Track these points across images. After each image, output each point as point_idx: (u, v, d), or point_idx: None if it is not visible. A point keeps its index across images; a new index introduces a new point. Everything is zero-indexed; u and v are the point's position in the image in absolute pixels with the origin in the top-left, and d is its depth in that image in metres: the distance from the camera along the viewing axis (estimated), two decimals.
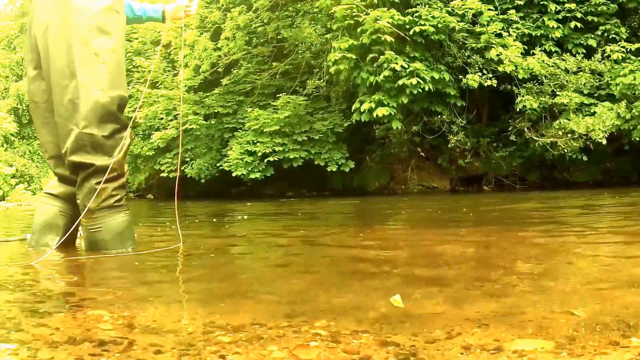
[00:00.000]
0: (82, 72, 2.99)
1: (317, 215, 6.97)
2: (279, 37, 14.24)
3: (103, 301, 1.94)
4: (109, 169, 3.05)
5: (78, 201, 3.10)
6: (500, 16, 10.86)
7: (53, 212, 3.20)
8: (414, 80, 10.04)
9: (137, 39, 16.94)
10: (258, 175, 12.17)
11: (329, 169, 12.23)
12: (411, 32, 10.38)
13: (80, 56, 2.99)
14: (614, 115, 9.97)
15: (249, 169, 12.13)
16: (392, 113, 10.28)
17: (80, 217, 3.09)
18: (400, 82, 10.11)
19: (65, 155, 3.07)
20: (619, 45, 10.50)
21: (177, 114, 13.93)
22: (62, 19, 3.02)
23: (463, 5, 10.63)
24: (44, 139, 3.25)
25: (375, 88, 10.51)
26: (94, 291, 2.21)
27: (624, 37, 10.87)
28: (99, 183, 3.03)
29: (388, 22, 10.04)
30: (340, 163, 12.23)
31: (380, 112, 10.18)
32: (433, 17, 10.37)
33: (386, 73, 10.04)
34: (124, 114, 3.20)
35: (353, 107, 10.90)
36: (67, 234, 3.14)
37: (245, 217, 6.79)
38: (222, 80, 14.74)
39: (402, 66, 10.05)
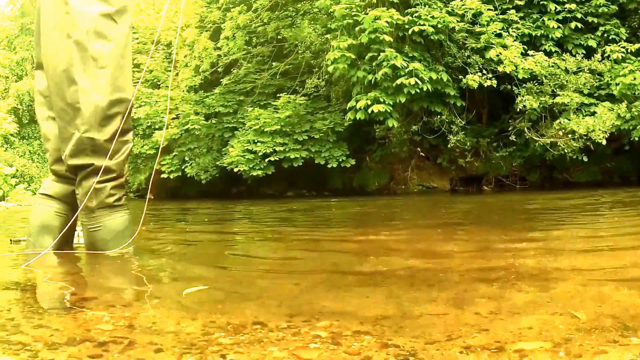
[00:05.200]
0: (81, 77, 2.99)
1: (316, 215, 6.97)
2: (278, 37, 14.24)
3: (103, 301, 1.94)
4: (108, 169, 3.06)
5: (77, 200, 3.11)
6: (500, 16, 10.85)
7: (49, 213, 3.18)
8: (412, 80, 10.03)
9: (137, 39, 16.94)
10: (259, 172, 12.14)
11: (329, 165, 12.21)
12: (410, 32, 10.38)
13: (79, 61, 2.99)
14: (614, 115, 9.96)
15: (250, 166, 12.11)
16: (389, 110, 10.25)
17: (79, 213, 3.08)
18: (398, 81, 10.10)
19: (65, 159, 3.08)
20: (619, 46, 10.50)
21: (178, 114, 13.94)
22: (61, 23, 3.02)
23: (463, 5, 10.63)
24: (49, 131, 3.21)
25: (372, 87, 10.50)
26: (93, 291, 2.21)
27: (624, 37, 10.87)
28: (98, 183, 3.04)
29: (387, 22, 10.03)
30: (341, 160, 12.22)
31: (376, 108, 10.16)
32: (433, 17, 10.36)
33: (385, 70, 10.02)
34: (129, 117, 3.20)
35: (348, 105, 10.88)
36: (59, 236, 3.10)
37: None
38: (222, 80, 14.74)
39: (401, 65, 10.04)
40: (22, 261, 2.83)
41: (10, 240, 3.96)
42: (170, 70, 16.57)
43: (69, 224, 3.12)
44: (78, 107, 2.98)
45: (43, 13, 3.10)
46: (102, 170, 3.04)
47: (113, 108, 3.07)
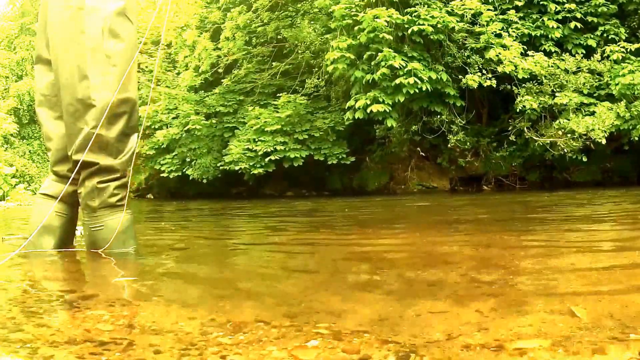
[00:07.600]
0: (94, 73, 3.00)
1: (316, 214, 6.97)
2: (279, 37, 14.23)
3: (103, 301, 1.94)
4: (112, 168, 3.07)
5: (80, 199, 3.11)
6: (500, 16, 10.85)
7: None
8: (411, 80, 10.02)
9: (137, 39, 16.90)
10: (260, 170, 12.12)
11: (329, 162, 12.22)
12: (409, 32, 10.37)
13: (92, 57, 3.00)
14: (614, 115, 9.96)
15: (251, 164, 12.10)
16: (387, 110, 10.25)
17: (51, 207, 3.08)
18: (397, 80, 10.10)
19: (71, 154, 3.07)
20: (618, 46, 10.49)
21: (179, 113, 13.93)
22: (74, 18, 3.02)
23: (462, 5, 10.62)
24: (52, 131, 3.20)
25: (371, 86, 10.50)
26: (93, 290, 2.21)
27: (624, 37, 10.87)
28: (101, 182, 3.04)
29: (386, 21, 10.03)
30: (341, 157, 12.22)
31: (375, 108, 10.16)
32: (432, 17, 10.35)
33: (384, 71, 10.02)
34: (134, 117, 3.20)
35: (347, 104, 10.87)
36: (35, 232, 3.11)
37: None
38: (222, 80, 14.74)
39: (399, 65, 10.04)
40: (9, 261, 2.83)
41: (2, 238, 3.96)
42: (169, 70, 16.57)
43: (44, 218, 3.11)
44: (90, 102, 2.99)
45: (52, 7, 3.09)
46: (105, 170, 3.04)
47: (121, 107, 3.07)
